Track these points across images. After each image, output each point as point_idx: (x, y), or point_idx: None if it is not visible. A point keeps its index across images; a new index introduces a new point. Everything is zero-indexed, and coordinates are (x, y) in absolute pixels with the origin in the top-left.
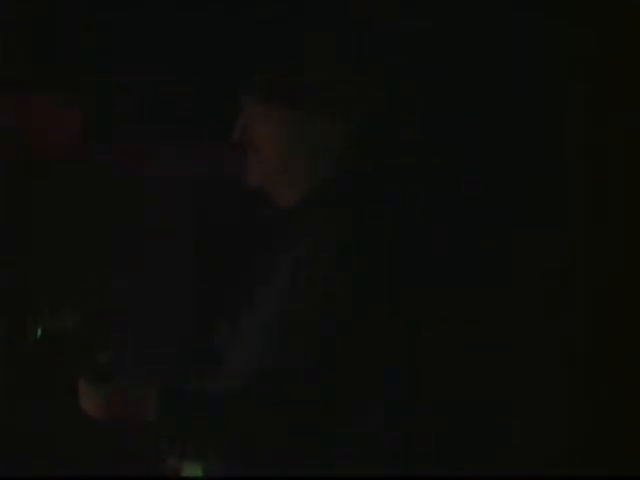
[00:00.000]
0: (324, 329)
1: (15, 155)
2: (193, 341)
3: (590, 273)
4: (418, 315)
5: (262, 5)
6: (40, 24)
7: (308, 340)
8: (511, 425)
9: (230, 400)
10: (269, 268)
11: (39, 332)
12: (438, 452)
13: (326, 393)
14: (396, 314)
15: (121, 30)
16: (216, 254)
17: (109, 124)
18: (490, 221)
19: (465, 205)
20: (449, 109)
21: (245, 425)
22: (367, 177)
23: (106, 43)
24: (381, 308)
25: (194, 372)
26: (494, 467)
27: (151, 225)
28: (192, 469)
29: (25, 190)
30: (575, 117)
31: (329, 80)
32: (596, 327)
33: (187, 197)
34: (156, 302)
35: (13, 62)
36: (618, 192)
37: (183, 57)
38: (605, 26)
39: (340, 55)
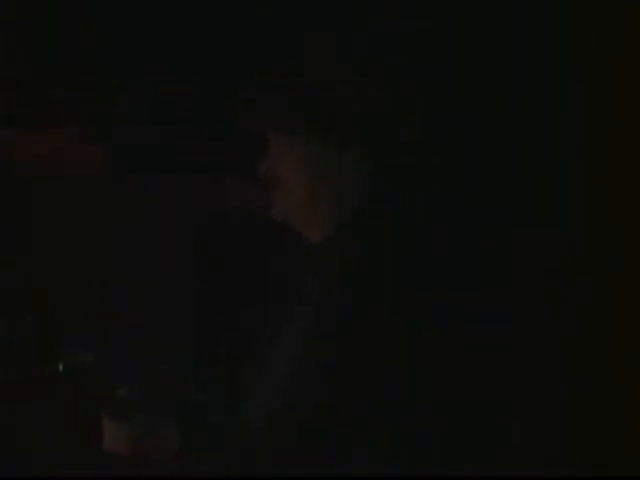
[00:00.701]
0: (347, 366)
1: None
2: (213, 374)
3: (590, 273)
4: (422, 317)
5: (263, 5)
6: (40, 24)
7: (332, 374)
8: (511, 425)
9: (255, 432)
10: (297, 301)
11: (60, 367)
12: (438, 452)
13: (351, 426)
14: (403, 323)
15: (127, 44)
16: (242, 287)
17: (133, 156)
18: (490, 221)
19: (465, 205)
20: (449, 109)
21: (267, 457)
22: (394, 207)
23: (108, 49)
24: (397, 327)
25: (216, 405)
26: (494, 467)
27: (171, 256)
28: None
29: (46, 221)
30: (575, 117)
31: (345, 102)
32: (596, 327)
33: (211, 229)
34: (177, 334)
35: (13, 62)
36: (618, 192)
37: (205, 87)
38: (605, 26)
39: (340, 55)
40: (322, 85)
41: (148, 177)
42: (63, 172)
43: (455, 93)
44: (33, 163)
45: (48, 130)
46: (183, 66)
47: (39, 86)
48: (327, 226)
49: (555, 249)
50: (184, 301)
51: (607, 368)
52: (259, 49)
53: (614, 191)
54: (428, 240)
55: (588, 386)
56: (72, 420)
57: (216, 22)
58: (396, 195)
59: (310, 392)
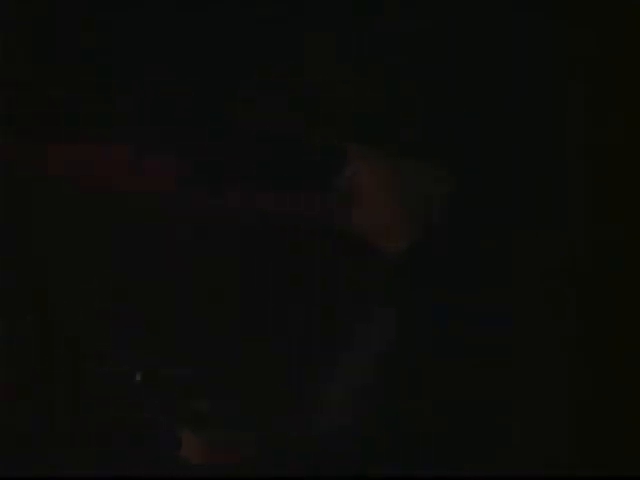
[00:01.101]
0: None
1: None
2: (292, 388)
3: (590, 273)
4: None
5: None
6: (40, 24)
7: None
8: (511, 425)
9: (335, 444)
10: (369, 316)
11: (138, 376)
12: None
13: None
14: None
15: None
16: (317, 303)
17: (211, 170)
18: (490, 221)
19: (465, 205)
20: (448, 109)
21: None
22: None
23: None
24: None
25: (294, 417)
26: (494, 467)
27: (249, 271)
28: None
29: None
30: (575, 117)
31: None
32: (596, 327)
33: (283, 243)
34: (254, 349)
35: (13, 62)
36: (618, 192)
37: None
38: (605, 26)
39: (340, 55)
40: (322, 85)
41: (220, 192)
42: (136, 188)
43: (455, 93)
44: (102, 179)
45: (116, 145)
46: (183, 66)
47: (39, 86)
48: (404, 240)
49: (555, 249)
50: (261, 316)
51: (607, 368)
52: (259, 49)
53: (614, 191)
54: (508, 256)
55: (588, 386)
56: (147, 427)
57: (216, 22)
58: (475, 211)
59: (381, 406)
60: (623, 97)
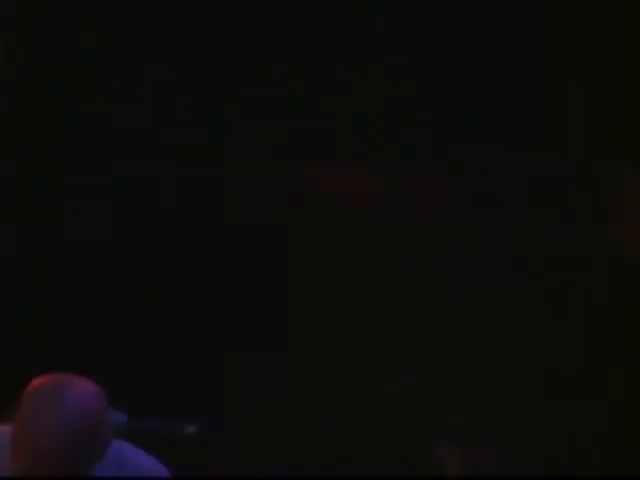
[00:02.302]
0: None
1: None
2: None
3: (590, 273)
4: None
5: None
6: (40, 24)
7: None
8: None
9: None
10: None
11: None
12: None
13: None
14: None
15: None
16: None
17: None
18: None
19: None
20: (449, 109)
21: None
22: None
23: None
24: None
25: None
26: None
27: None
28: None
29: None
30: (575, 117)
31: None
32: (597, 327)
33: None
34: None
35: (13, 62)
36: (618, 191)
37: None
38: (605, 26)
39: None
40: (322, 85)
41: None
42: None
43: (455, 93)
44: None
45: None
46: (182, 66)
47: (39, 86)
48: None
49: (555, 249)
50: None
51: (608, 368)
52: (259, 49)
53: (614, 191)
54: None
55: (588, 386)
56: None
57: (216, 22)
58: None
59: None
60: (623, 97)
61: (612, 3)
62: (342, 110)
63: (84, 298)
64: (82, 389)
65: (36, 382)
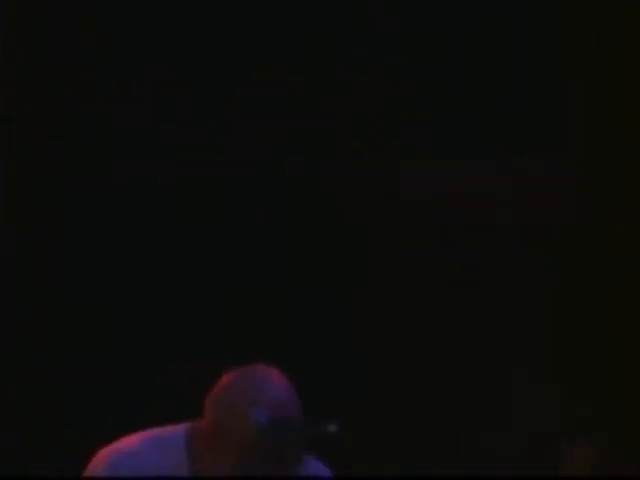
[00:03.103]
0: None
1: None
2: None
3: (591, 273)
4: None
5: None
6: (40, 24)
7: None
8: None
9: None
10: None
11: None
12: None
13: None
14: None
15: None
16: None
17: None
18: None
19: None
20: (449, 109)
21: None
22: None
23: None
24: None
25: None
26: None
27: None
28: None
29: None
30: (575, 117)
31: None
32: (597, 327)
33: None
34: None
35: (13, 62)
36: (618, 191)
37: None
38: (605, 26)
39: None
40: (322, 85)
41: None
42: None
43: (455, 93)
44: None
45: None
46: (182, 66)
47: (39, 86)
48: None
49: (555, 249)
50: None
51: (606, 367)
52: (259, 49)
53: (614, 190)
54: None
55: (588, 386)
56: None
57: (216, 22)
58: None
59: None
60: (623, 97)
61: (612, 3)
62: (342, 110)
63: (84, 298)
64: (282, 377)
65: (235, 373)
